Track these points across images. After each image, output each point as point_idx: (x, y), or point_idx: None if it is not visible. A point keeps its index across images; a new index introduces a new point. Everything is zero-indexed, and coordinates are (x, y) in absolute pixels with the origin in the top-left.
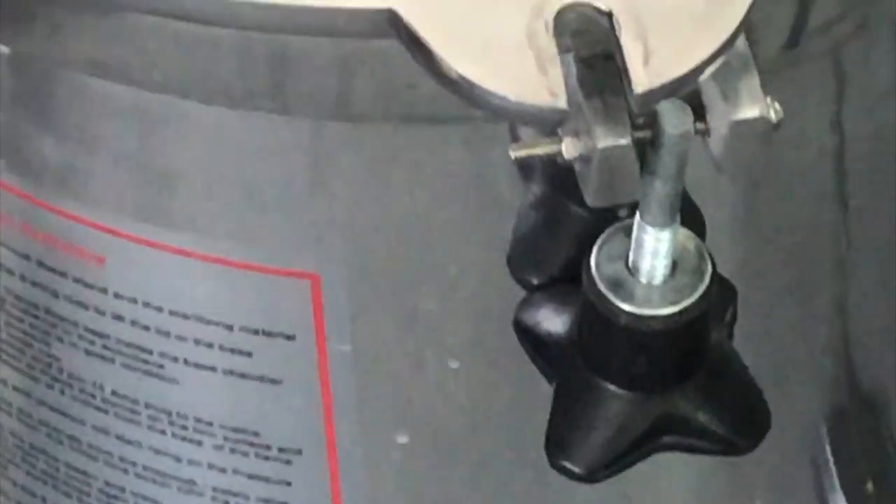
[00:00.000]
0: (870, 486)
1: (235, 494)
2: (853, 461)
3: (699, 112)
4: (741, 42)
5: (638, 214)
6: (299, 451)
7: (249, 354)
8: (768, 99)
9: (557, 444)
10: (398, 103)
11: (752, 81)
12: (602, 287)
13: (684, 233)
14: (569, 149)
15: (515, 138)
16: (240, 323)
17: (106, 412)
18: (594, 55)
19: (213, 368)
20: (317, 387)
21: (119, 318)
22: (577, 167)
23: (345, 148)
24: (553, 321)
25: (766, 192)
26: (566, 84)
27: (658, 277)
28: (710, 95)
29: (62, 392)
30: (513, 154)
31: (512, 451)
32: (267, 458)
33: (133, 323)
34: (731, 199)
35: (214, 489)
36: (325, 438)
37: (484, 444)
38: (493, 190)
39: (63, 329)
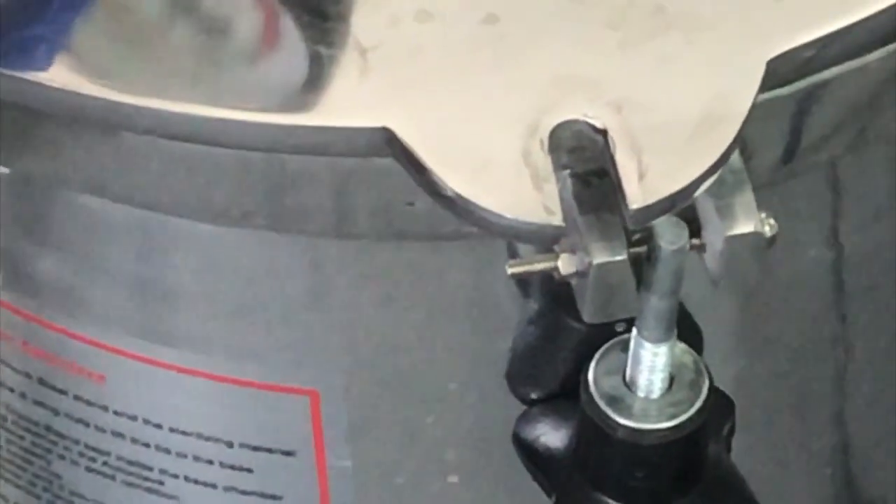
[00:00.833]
0: None
1: None
2: None
3: (694, 227)
4: (735, 158)
5: (635, 329)
6: None
7: (250, 471)
8: (763, 214)
9: None
10: (396, 221)
11: (747, 197)
12: (600, 402)
13: (681, 347)
14: (565, 265)
15: (513, 255)
16: (240, 439)
17: None
18: (589, 172)
19: (213, 485)
20: (317, 502)
21: (119, 435)
22: (573, 283)
23: (343, 265)
24: (552, 436)
25: (762, 305)
26: (562, 201)
27: (655, 392)
28: (705, 211)
29: None
30: (510, 271)
31: None
32: None
33: (133, 440)
34: (727, 313)
35: None
36: None
37: None
38: (492, 306)
39: (64, 446)
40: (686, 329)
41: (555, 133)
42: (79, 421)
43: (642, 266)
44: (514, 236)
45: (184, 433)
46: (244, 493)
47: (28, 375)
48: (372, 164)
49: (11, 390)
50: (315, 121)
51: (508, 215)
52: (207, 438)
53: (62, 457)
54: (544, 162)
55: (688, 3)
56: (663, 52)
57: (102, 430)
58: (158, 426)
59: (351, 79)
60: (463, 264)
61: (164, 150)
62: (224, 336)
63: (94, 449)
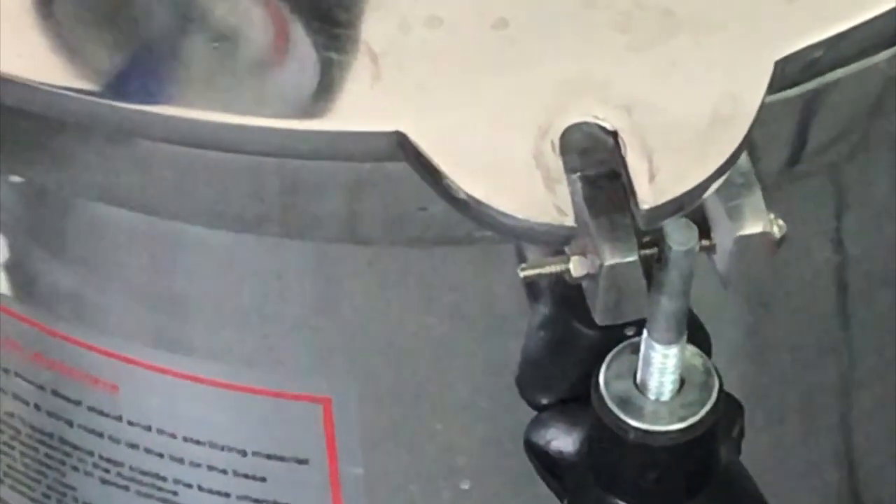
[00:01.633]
0: None
1: None
2: None
3: (704, 229)
4: (744, 159)
5: (645, 332)
6: None
7: (263, 479)
8: (771, 215)
9: None
10: (407, 225)
11: (756, 198)
12: (611, 405)
13: (691, 349)
14: (576, 267)
15: (522, 259)
16: (253, 448)
17: None
18: (600, 174)
19: (227, 494)
20: None
21: (133, 445)
22: (584, 285)
23: (355, 270)
24: (563, 440)
25: (770, 308)
26: (573, 202)
27: (666, 394)
28: (715, 212)
29: None
30: (522, 274)
31: None
32: None
33: (147, 450)
34: (735, 315)
35: None
36: None
37: None
38: (502, 311)
39: (78, 458)
40: (695, 332)
41: (566, 135)
42: (92, 432)
43: (653, 267)
44: (527, 238)
45: (197, 442)
46: (257, 501)
47: (41, 387)
48: (384, 169)
49: (25, 402)
50: (327, 126)
51: (520, 216)
52: (221, 447)
53: (76, 468)
54: (556, 163)
55: (695, 6)
56: (672, 54)
57: (116, 441)
58: (172, 436)
59: (363, 84)
60: (474, 270)
61: (177, 157)
62: (236, 344)
63: (108, 460)
